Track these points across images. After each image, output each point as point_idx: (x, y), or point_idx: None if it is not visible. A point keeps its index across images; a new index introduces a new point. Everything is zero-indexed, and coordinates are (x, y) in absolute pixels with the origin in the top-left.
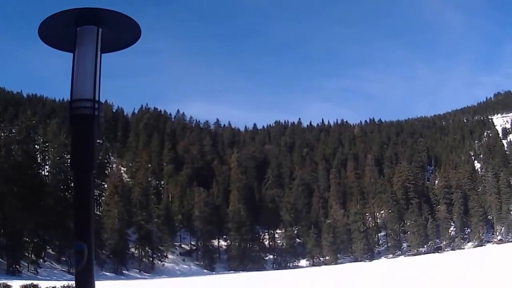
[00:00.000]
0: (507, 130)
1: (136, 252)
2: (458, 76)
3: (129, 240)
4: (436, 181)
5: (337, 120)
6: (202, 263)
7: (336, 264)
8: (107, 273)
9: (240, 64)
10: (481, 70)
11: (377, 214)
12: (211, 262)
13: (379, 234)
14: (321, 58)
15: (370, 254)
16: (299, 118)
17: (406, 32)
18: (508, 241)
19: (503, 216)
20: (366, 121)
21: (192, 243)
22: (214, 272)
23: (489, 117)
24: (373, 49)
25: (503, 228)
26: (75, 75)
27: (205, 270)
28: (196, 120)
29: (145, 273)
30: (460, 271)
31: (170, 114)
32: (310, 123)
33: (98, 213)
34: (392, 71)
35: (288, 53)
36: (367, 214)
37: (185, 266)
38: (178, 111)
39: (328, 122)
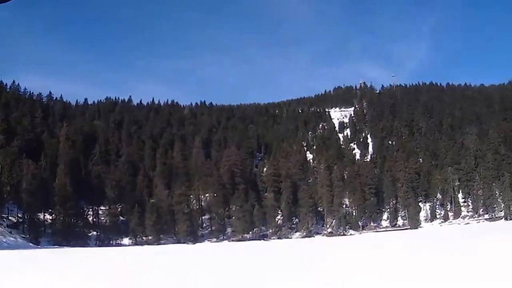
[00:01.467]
0: (344, 124)
1: None
2: (299, 66)
3: None
4: (265, 169)
5: (167, 100)
6: (28, 236)
7: (158, 244)
8: None
9: (78, 39)
10: (324, 63)
11: (202, 197)
12: (36, 235)
13: (203, 217)
14: (159, 39)
15: (194, 236)
16: (130, 96)
17: (249, 17)
18: (339, 234)
19: (335, 209)
20: (197, 103)
21: (19, 215)
22: (39, 246)
23: (327, 110)
24: (213, 32)
25: (334, 221)
26: None
27: (30, 244)
28: (29, 92)
29: None
30: (286, 258)
31: (6, 84)
32: (141, 101)
33: None
34: (229, 55)
35: (129, 33)
36: (191, 196)
37: (12, 239)
38: (13, 82)
39: (159, 102)
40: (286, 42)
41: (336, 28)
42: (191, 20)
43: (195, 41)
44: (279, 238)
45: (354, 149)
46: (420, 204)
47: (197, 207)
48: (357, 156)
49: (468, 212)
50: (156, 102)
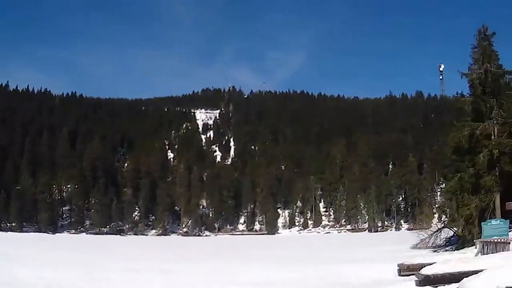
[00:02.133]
0: (208, 126)
1: None
2: (172, 65)
3: None
4: (126, 164)
5: (40, 88)
6: None
7: (21, 231)
8: None
9: None
10: (197, 65)
11: (64, 187)
12: None
13: (64, 208)
14: (34, 25)
15: (54, 226)
16: (7, 81)
17: (122, 8)
18: (194, 235)
19: (192, 209)
20: (68, 93)
21: None
22: None
23: (193, 110)
24: (88, 22)
25: (190, 221)
26: None
27: None
28: None
29: None
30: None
31: None
32: (17, 87)
33: None
34: (103, 47)
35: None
36: (54, 186)
37: None
38: None
39: (32, 89)
40: (161, 40)
41: (212, 32)
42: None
43: (69, 29)
44: (136, 234)
45: (215, 151)
46: (279, 210)
47: (59, 197)
48: (218, 159)
49: (329, 222)
50: (30, 89)
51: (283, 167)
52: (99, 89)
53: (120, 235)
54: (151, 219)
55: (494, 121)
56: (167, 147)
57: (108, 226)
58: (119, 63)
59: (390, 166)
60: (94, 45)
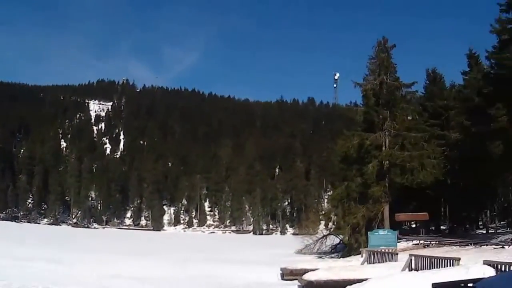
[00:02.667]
0: (101, 118)
1: None
2: (70, 53)
3: None
4: (22, 150)
5: None
6: None
7: None
8: None
9: None
10: (96, 54)
11: None
12: None
13: None
14: None
15: None
16: None
17: None
18: (84, 226)
19: (81, 200)
20: None
21: None
22: None
23: (87, 101)
24: None
25: (79, 212)
26: None
27: None
28: None
29: None
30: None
31: None
32: None
33: None
34: (4, 30)
35: None
36: None
37: None
38: None
39: None
40: (61, 27)
41: (111, 23)
42: None
43: None
44: (29, 221)
45: (106, 143)
46: (165, 207)
47: None
48: (108, 151)
49: (214, 221)
50: None
51: (170, 164)
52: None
53: (15, 221)
54: (43, 208)
55: (386, 133)
56: (60, 136)
57: (4, 212)
58: (18, 47)
59: (277, 170)
60: None
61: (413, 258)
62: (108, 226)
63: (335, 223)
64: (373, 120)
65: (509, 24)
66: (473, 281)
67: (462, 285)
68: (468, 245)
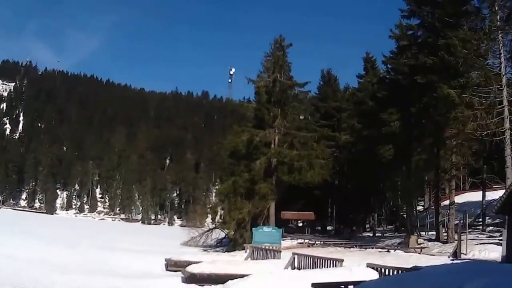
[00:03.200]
0: (3, 98)
1: None
2: None
3: None
4: None
5: None
6: None
7: None
8: None
9: None
10: (1, 34)
11: None
12: None
13: None
14: None
15: None
16: None
17: None
18: None
19: None
20: None
21: None
22: None
23: None
24: None
25: None
26: None
27: None
28: None
29: None
30: None
31: None
32: None
33: None
34: None
35: None
36: None
37: None
38: None
39: None
40: None
41: (19, 3)
42: None
43: None
44: None
45: (6, 123)
46: (58, 191)
47: None
48: (8, 132)
49: (104, 208)
50: None
51: (65, 148)
52: None
53: None
54: None
55: (276, 130)
56: None
57: None
58: None
59: (168, 161)
60: None
61: (296, 256)
62: (4, 207)
63: (221, 217)
64: (264, 117)
65: (409, 30)
66: (355, 283)
67: (343, 286)
68: (353, 247)
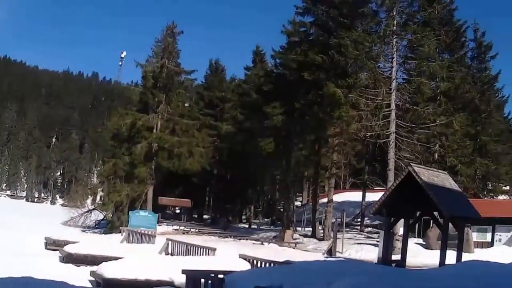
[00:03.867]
0: None
1: None
2: None
3: None
4: None
5: None
6: None
7: None
8: None
9: None
10: None
11: None
12: None
13: None
14: None
15: None
16: None
17: None
18: None
19: None
20: None
21: None
22: None
23: None
24: None
25: None
26: None
27: None
28: None
29: None
30: None
31: None
32: None
33: None
34: None
35: None
36: None
37: None
38: None
39: None
40: None
41: None
42: None
43: None
44: None
45: None
46: None
47: None
48: None
49: None
50: None
51: None
52: None
53: None
54: None
55: (160, 116)
56: None
57: None
58: None
59: (54, 140)
60: None
61: (170, 242)
62: None
63: (101, 199)
64: (149, 102)
65: (302, 27)
66: (225, 272)
67: (212, 275)
68: (228, 237)
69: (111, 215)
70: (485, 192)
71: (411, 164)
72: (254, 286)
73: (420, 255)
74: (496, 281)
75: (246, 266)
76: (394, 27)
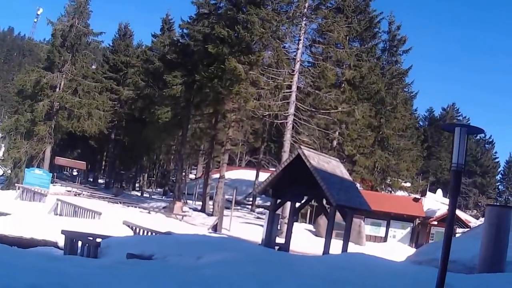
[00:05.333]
0: None
1: None
2: None
3: None
4: None
5: None
6: None
7: None
8: None
9: None
10: None
11: None
12: None
13: None
14: None
15: None
16: None
17: None
18: None
19: None
20: None
21: None
22: None
23: None
24: None
25: None
26: None
27: None
28: None
29: None
30: None
31: None
32: None
33: None
34: None
35: None
36: None
37: None
38: None
39: None
40: None
41: None
42: None
43: None
44: None
45: None
46: None
47: None
48: None
49: None
50: None
51: None
52: None
53: None
54: None
55: (64, 75)
56: None
57: None
58: None
59: None
60: None
61: (59, 203)
62: None
63: (2, 155)
64: (55, 60)
65: None
66: (104, 236)
67: (90, 238)
68: (117, 203)
69: (10, 172)
70: (383, 186)
71: (301, 146)
72: (126, 253)
73: (309, 242)
74: (371, 276)
75: (128, 232)
76: (305, 10)
